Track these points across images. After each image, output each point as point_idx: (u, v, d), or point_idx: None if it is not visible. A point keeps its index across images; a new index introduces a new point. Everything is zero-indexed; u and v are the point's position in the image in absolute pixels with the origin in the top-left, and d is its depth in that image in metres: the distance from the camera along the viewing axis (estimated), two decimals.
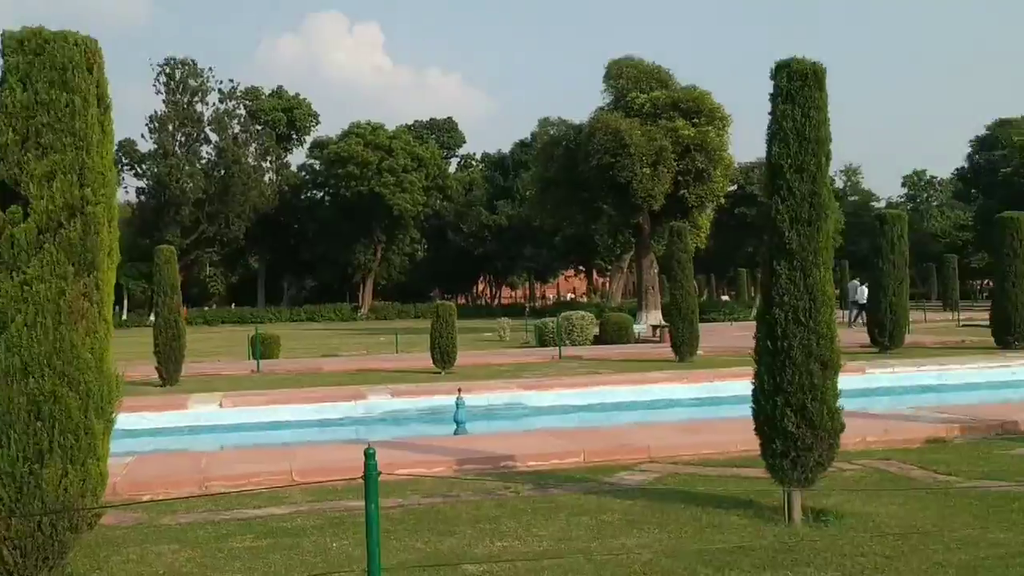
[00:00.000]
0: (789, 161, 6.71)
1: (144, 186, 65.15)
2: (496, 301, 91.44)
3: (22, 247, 5.39)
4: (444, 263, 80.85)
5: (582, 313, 32.65)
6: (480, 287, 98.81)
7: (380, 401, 15.01)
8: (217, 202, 64.95)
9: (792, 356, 6.62)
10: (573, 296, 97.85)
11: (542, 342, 30.84)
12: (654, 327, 33.49)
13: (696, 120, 38.42)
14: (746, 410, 14.92)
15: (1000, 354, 20.67)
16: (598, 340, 31.18)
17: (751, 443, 9.72)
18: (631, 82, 40.27)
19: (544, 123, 45.31)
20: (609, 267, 70.11)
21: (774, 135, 6.80)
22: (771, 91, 6.87)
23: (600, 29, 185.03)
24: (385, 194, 65.09)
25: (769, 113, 6.88)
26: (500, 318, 41.61)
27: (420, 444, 10.55)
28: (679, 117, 38.15)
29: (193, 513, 7.60)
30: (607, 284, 77.71)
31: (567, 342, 29.86)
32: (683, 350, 21.52)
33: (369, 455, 4.41)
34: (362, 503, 7.73)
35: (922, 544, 6.08)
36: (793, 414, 6.61)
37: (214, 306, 77.43)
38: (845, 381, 13.52)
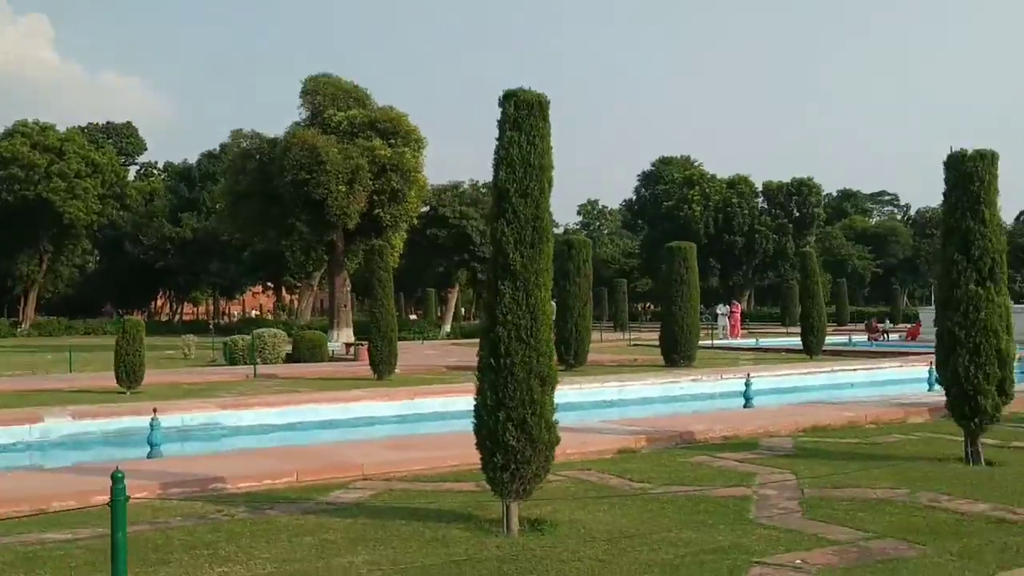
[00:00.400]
0: (515, 186, 7.01)
1: None
2: (177, 317, 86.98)
3: None
4: (120, 276, 75.61)
5: (274, 331, 31.91)
6: (159, 303, 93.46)
7: (59, 424, 13.84)
8: None
9: (514, 372, 6.89)
10: (259, 313, 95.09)
11: (232, 360, 29.81)
12: (348, 345, 33.41)
13: (393, 141, 38.85)
14: (448, 426, 15.35)
15: (668, 371, 22.65)
16: (291, 358, 30.61)
17: (460, 458, 10.07)
18: (328, 99, 40.06)
19: (237, 135, 43.77)
20: (299, 284, 68.94)
21: (501, 160, 7.08)
22: (499, 118, 7.16)
23: (294, 43, 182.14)
24: (55, 201, 59.82)
25: (496, 139, 7.17)
26: (185, 335, 39.63)
27: (115, 468, 9.85)
28: (376, 137, 38.40)
29: None
30: (296, 302, 76.38)
31: (258, 360, 29.05)
32: (382, 368, 21.64)
33: (117, 479, 4.11)
34: (55, 536, 7.15)
35: (629, 547, 6.56)
36: (514, 428, 6.88)
37: None
38: None
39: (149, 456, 11.86)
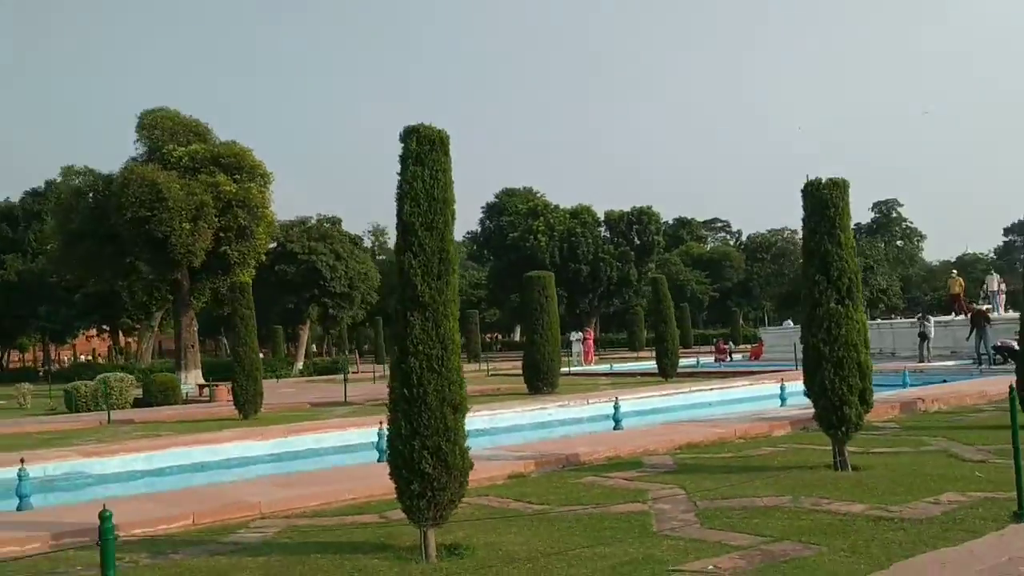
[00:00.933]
0: (420, 219, 7.18)
1: None
2: (3, 366, 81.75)
3: None
4: None
5: (120, 375, 30.63)
6: None
7: None
8: None
9: (428, 402, 7.02)
10: (91, 358, 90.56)
11: (75, 408, 28.45)
12: (201, 386, 32.45)
13: (238, 176, 38.22)
14: (324, 462, 15.20)
15: (534, 398, 23.04)
16: (140, 402, 29.44)
17: (354, 492, 10.12)
18: (167, 134, 39.05)
19: (68, 171, 42.16)
20: (137, 326, 66.23)
21: (405, 195, 7.23)
22: (400, 154, 7.32)
23: (123, 75, 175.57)
24: None
25: (398, 174, 7.32)
26: (21, 383, 37.42)
27: None
28: (220, 172, 37.65)
29: None
30: (134, 344, 73.26)
31: (103, 406, 27.86)
32: (247, 407, 21.18)
33: (105, 518, 4.01)
34: None
35: (549, 565, 6.77)
36: (430, 456, 7.00)
37: None
38: None
39: (19, 508, 11.24)
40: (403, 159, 7.31)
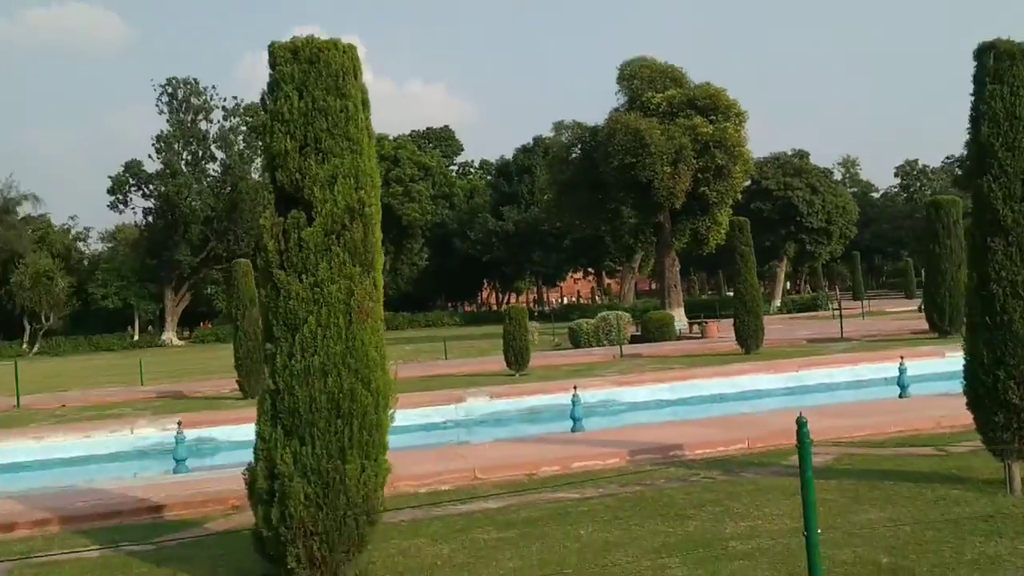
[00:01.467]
0: (1000, 140, 6.86)
1: (152, 206, 64.42)
2: (503, 307, 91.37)
3: (311, 250, 5.47)
4: (449, 271, 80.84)
5: (619, 313, 32.89)
6: (485, 294, 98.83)
7: (479, 404, 15.17)
8: (226, 219, 64.05)
9: (1013, 330, 6.76)
10: (577, 299, 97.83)
11: (576, 343, 31.09)
12: (691, 322, 33.75)
13: (713, 117, 38.68)
14: (839, 397, 15.12)
15: None
16: (636, 339, 31.35)
17: (901, 424, 10.03)
18: (645, 82, 40.49)
19: (559, 126, 45.42)
20: (619, 268, 70.30)
21: (982, 115, 6.95)
22: (974, 72, 7.03)
23: (579, 32, 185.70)
24: (394, 204, 65.10)
25: (972, 94, 7.06)
26: (529, 321, 41.65)
27: (564, 439, 10.74)
28: (696, 115, 38.36)
29: (398, 514, 7.53)
30: (617, 285, 77.90)
31: (604, 342, 30.13)
32: (749, 343, 21.67)
33: (802, 424, 4.55)
34: (562, 495, 7.87)
35: None
36: (1016, 386, 6.75)
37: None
38: (927, 365, 13.93)
39: (573, 430, 12.67)
40: (977, 78, 7.03)
